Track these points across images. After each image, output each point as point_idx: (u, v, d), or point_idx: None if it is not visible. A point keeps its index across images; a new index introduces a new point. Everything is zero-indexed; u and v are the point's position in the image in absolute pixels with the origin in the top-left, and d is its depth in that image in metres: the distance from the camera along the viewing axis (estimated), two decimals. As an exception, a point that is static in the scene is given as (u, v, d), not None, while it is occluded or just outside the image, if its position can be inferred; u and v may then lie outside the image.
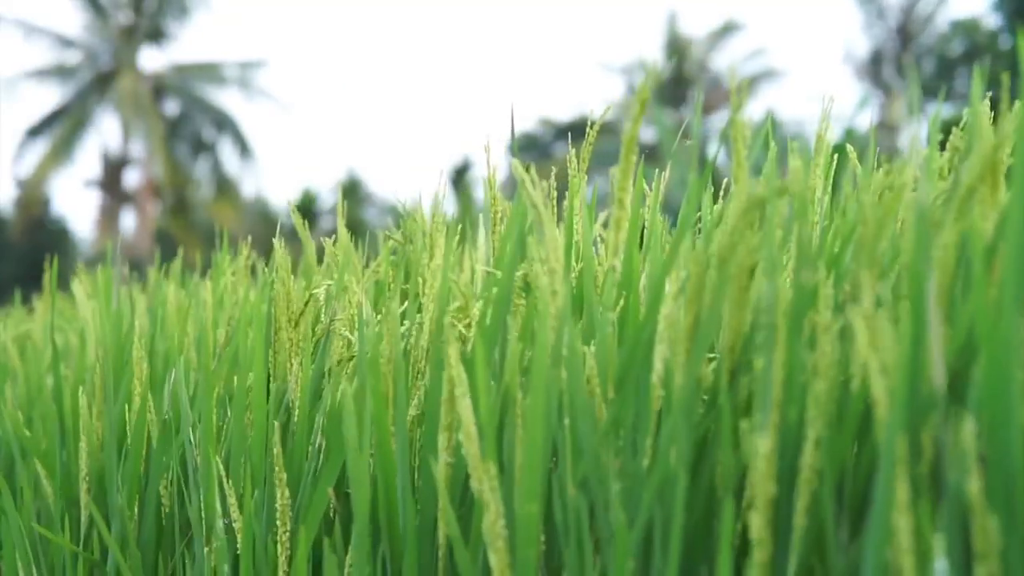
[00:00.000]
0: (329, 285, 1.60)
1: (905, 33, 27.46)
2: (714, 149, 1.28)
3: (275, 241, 1.61)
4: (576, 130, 1.54)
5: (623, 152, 1.16)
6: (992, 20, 22.78)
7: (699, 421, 1.02)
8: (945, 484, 0.84)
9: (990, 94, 1.13)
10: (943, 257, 0.91)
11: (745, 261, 1.00)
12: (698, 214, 1.35)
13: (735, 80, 1.05)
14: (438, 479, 1.14)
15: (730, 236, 0.99)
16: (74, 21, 35.30)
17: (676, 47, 30.91)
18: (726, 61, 31.03)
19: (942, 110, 1.20)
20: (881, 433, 0.86)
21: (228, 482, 1.48)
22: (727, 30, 31.23)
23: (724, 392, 0.99)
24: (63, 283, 3.74)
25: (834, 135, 1.38)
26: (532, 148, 30.42)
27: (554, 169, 1.37)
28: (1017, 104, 1.03)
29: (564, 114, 36.17)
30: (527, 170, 1.18)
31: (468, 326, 1.34)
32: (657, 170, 1.42)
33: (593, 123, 1.39)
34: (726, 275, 0.99)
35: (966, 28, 23.98)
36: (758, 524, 0.91)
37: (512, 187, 1.33)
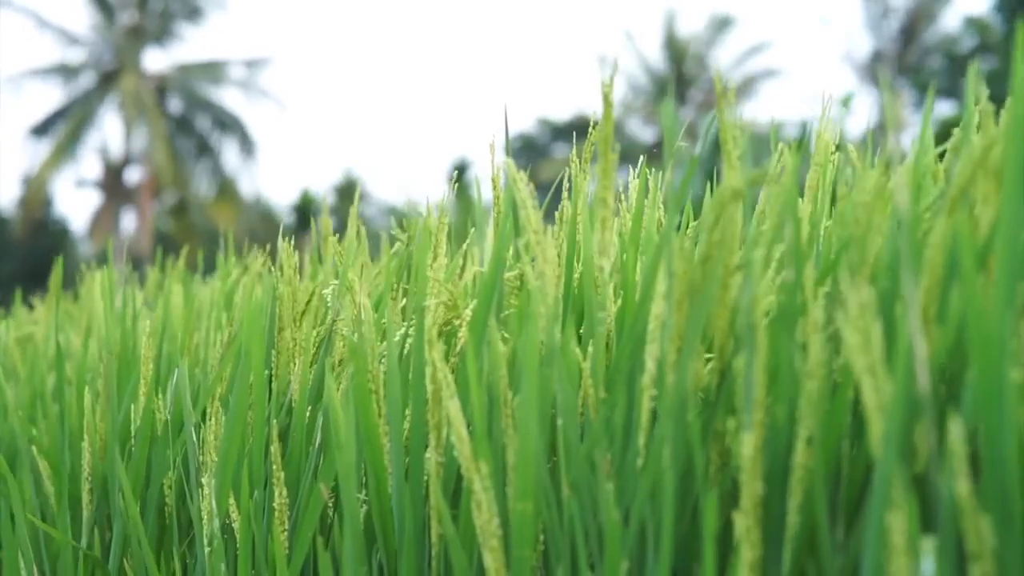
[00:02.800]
0: (335, 285, 1.61)
1: (908, 33, 27.42)
2: (707, 149, 1.28)
3: (280, 242, 1.62)
4: (575, 129, 1.55)
5: (601, 151, 1.16)
6: (995, 20, 22.74)
7: (692, 420, 1.02)
8: (938, 486, 0.85)
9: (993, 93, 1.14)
10: (933, 257, 0.92)
11: (727, 259, 1.00)
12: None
13: (725, 82, 1.05)
14: (430, 477, 1.14)
15: (710, 234, 0.99)
16: (79, 19, 35.35)
17: (674, 45, 30.86)
18: (725, 59, 31.00)
19: (948, 108, 1.21)
20: (874, 435, 0.87)
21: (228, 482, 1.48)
22: (725, 26, 31.18)
23: (713, 391, 1.00)
24: (65, 283, 3.75)
25: (828, 136, 1.39)
26: (530, 148, 30.37)
27: (551, 169, 1.37)
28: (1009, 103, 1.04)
29: (562, 114, 36.13)
30: (523, 172, 1.18)
31: (460, 326, 1.35)
32: (655, 169, 1.43)
33: (594, 123, 1.39)
34: (709, 273, 1.00)
35: (976, 27, 23.92)
36: (745, 523, 0.92)
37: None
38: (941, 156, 1.25)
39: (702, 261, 1.00)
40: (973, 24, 24.20)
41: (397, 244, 1.76)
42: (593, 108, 1.37)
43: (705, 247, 1.00)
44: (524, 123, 31.24)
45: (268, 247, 2.17)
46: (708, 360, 1.06)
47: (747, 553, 0.92)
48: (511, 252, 1.33)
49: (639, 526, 1.03)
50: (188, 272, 2.81)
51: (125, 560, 1.71)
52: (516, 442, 1.07)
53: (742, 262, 1.01)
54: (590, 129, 1.40)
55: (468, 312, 1.33)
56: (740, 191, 0.99)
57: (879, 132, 1.32)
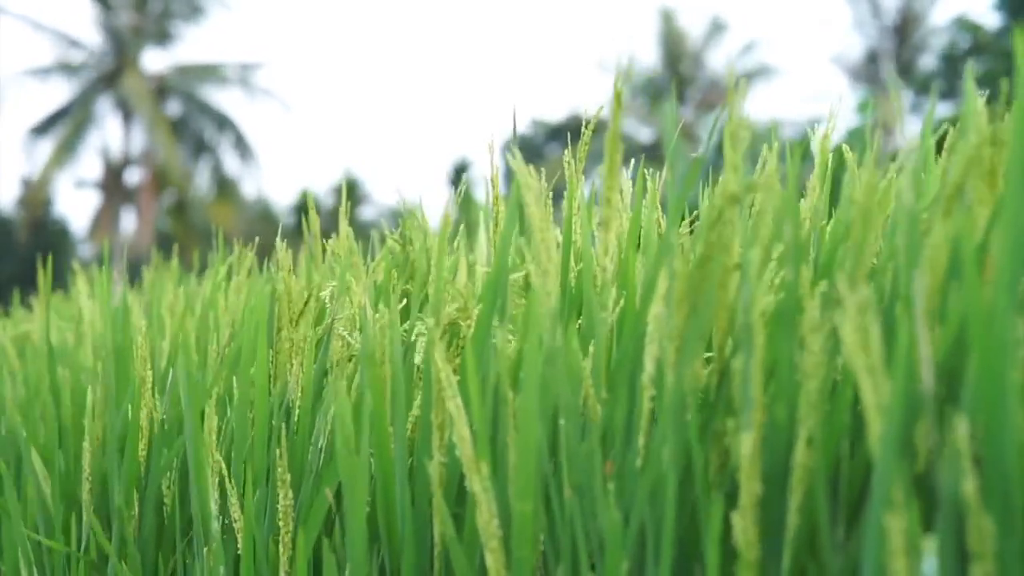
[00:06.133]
0: (333, 285, 1.61)
1: (900, 32, 27.43)
2: (711, 148, 1.28)
3: (278, 241, 1.61)
4: (569, 130, 1.54)
5: (607, 152, 1.16)
6: (993, 19, 22.75)
7: (691, 421, 1.02)
8: (940, 485, 0.85)
9: (988, 92, 1.14)
10: (933, 255, 0.92)
11: (726, 260, 1.00)
12: (695, 213, 1.36)
13: (729, 82, 1.05)
14: (432, 478, 1.14)
15: (708, 235, 0.99)
16: (79, 20, 35.41)
17: (669, 45, 30.90)
18: (721, 58, 31.02)
19: (945, 109, 1.21)
20: (874, 434, 0.87)
21: (230, 482, 1.48)
22: (719, 27, 31.23)
23: (713, 391, 1.00)
24: (62, 283, 3.75)
25: (835, 137, 1.39)
26: (524, 149, 30.32)
27: (543, 170, 1.38)
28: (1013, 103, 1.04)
29: (556, 114, 36.23)
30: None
31: (470, 326, 1.35)
32: (653, 170, 1.43)
33: (588, 122, 1.39)
34: (708, 274, 1.00)
35: (968, 27, 23.90)
36: (744, 524, 0.92)
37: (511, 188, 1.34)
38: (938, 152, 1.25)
39: (701, 262, 1.00)
40: (965, 24, 24.18)
41: (391, 243, 1.76)
42: (587, 108, 1.37)
43: (704, 248, 1.00)
44: (519, 123, 31.21)
45: (259, 245, 2.17)
46: (708, 360, 1.06)
47: (746, 553, 0.92)
48: (514, 251, 1.33)
49: (639, 527, 1.03)
50: (183, 271, 2.81)
51: (123, 561, 1.71)
52: (517, 442, 1.07)
53: (740, 262, 1.01)
54: (583, 129, 1.39)
55: (475, 312, 1.33)
56: (737, 196, 0.99)
57: (876, 132, 1.32)
